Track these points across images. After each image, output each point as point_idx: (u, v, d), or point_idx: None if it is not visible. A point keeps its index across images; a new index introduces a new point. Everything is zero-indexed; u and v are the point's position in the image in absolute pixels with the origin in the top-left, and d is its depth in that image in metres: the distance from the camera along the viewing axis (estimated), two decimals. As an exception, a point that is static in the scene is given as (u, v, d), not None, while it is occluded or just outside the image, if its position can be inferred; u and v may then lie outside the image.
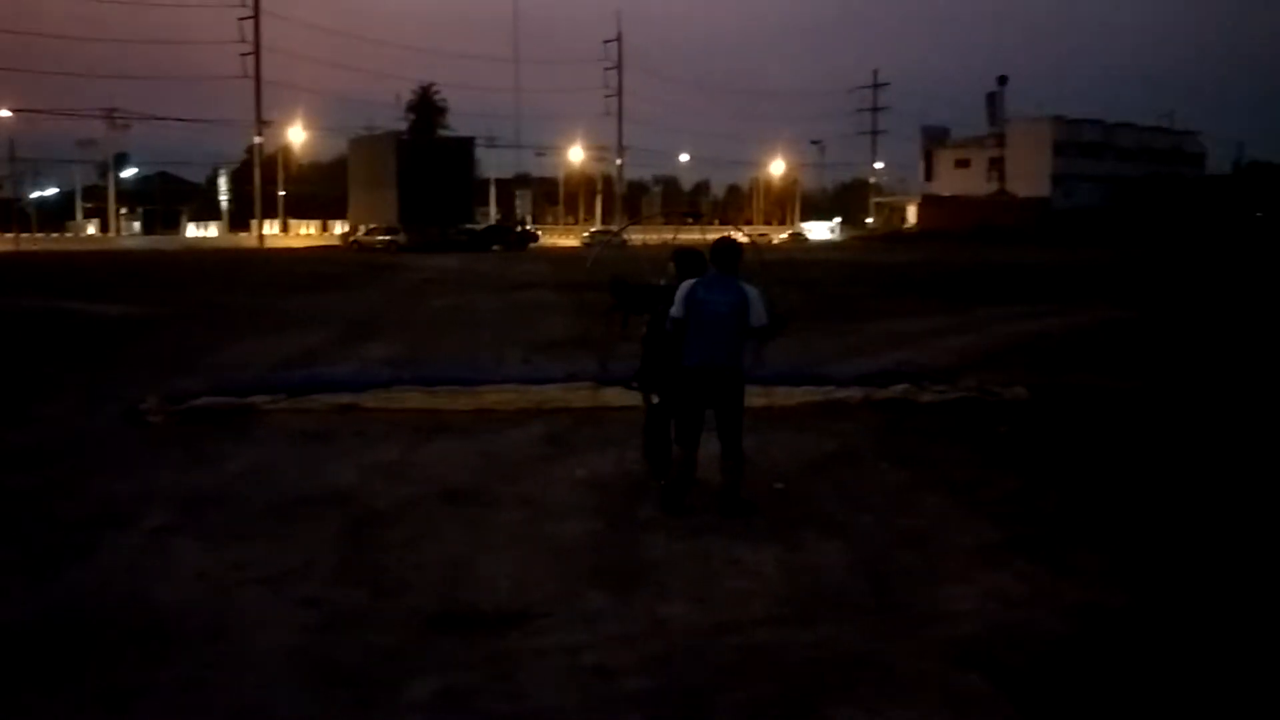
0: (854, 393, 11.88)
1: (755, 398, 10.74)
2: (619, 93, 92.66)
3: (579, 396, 11.90)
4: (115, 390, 12.18)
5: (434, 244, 59.48)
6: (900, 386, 12.12)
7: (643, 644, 5.15)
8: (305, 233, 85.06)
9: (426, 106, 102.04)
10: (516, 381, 12.70)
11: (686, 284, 7.61)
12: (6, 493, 7.96)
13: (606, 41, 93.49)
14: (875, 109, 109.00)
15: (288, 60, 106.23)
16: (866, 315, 21.94)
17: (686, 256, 8.07)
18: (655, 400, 8.14)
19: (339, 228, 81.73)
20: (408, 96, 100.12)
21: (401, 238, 62.36)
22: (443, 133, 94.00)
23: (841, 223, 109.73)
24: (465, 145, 72.96)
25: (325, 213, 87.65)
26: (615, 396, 11.75)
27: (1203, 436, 10.37)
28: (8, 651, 5.12)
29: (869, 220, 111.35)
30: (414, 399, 11.62)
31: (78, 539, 6.76)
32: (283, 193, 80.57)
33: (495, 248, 64.23)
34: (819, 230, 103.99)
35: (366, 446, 9.56)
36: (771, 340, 8.05)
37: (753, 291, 7.51)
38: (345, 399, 11.40)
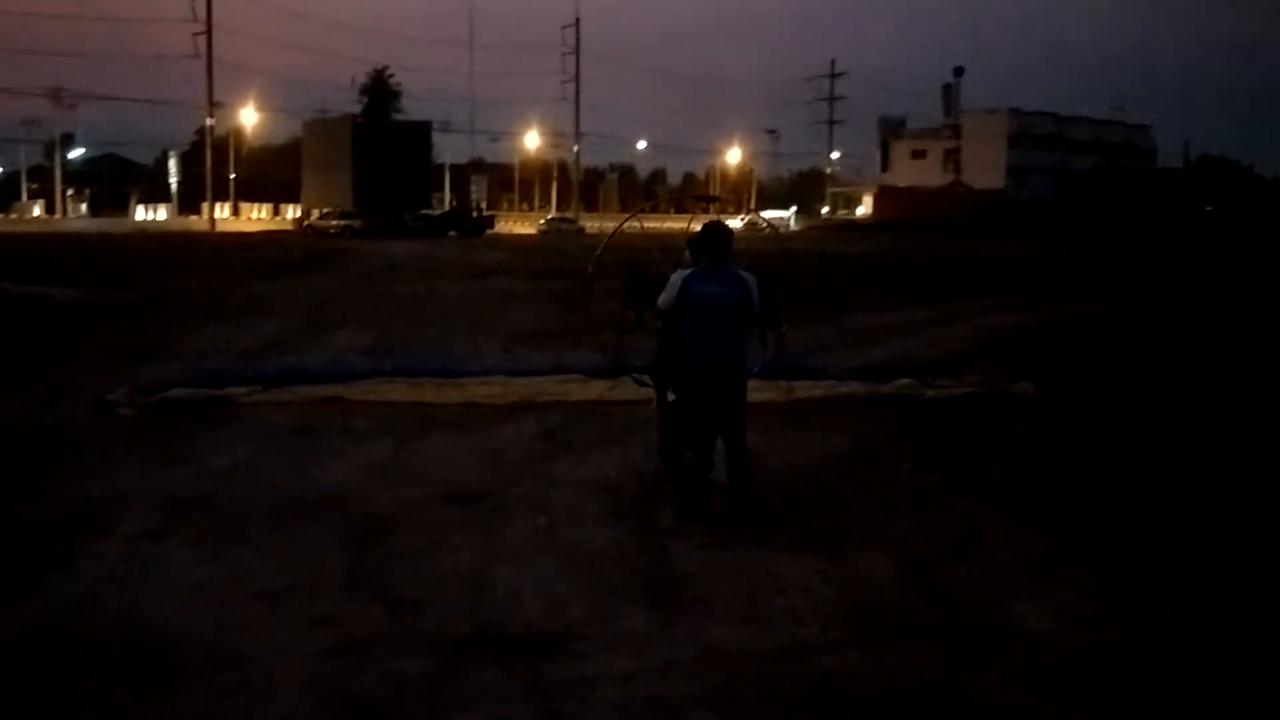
0: (857, 388, 11.49)
1: (761, 391, 10.38)
2: (576, 79, 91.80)
3: (569, 389, 11.44)
4: (79, 380, 11.55)
5: (389, 229, 58.42)
6: (902, 381, 11.74)
7: (700, 672, 4.67)
8: (256, 216, 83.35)
9: (380, 90, 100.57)
10: (501, 373, 12.23)
11: (678, 275, 7.16)
12: (-30, 494, 7.34)
13: (564, 27, 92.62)
14: (832, 99, 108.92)
15: (240, 40, 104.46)
16: (844, 307, 21.54)
17: (701, 240, 7.55)
18: (671, 397, 7.66)
19: (291, 211, 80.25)
20: (361, 79, 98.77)
21: (356, 223, 61.23)
22: (397, 116, 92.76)
23: (797, 212, 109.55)
24: (422, 129, 71.85)
25: (277, 196, 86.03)
26: (607, 391, 11.32)
27: (1224, 431, 10.07)
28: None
29: (824, 210, 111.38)
30: (398, 391, 11.09)
31: (55, 547, 6.18)
32: (234, 175, 79.04)
33: (451, 234, 63.32)
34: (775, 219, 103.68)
35: (356, 443, 9.01)
36: (779, 329, 7.67)
37: (752, 279, 7.07)
38: (326, 391, 10.84)
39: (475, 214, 74.36)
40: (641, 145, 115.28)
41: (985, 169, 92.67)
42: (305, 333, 16.22)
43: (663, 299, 7.11)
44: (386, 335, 16.06)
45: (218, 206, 76.79)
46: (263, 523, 6.75)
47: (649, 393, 11.55)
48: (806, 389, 11.18)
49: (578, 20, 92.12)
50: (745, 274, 7.03)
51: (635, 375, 8.62)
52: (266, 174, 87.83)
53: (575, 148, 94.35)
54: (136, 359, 13.10)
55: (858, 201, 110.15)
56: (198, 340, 15.01)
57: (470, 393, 11.17)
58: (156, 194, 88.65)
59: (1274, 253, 44.65)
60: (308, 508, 7.09)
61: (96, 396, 10.16)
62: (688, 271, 7.10)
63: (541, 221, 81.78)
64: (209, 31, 71.46)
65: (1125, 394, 11.86)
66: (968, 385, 11.75)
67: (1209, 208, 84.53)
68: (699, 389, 6.99)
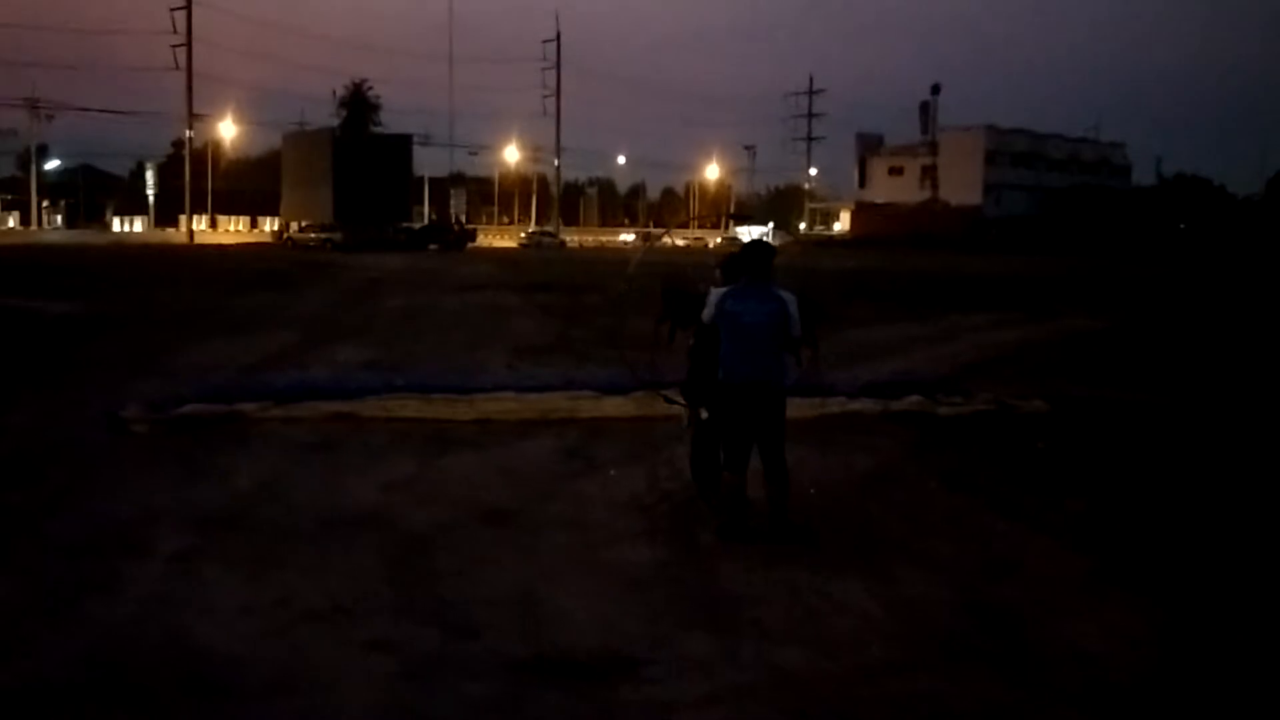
0: (869, 405, 11.47)
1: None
2: (557, 93, 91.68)
3: (582, 406, 11.40)
4: (83, 395, 11.45)
5: (371, 242, 58.12)
6: (913, 398, 11.75)
7: (774, 698, 4.61)
8: (234, 229, 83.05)
9: (359, 103, 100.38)
10: (510, 389, 12.16)
11: (717, 292, 7.15)
12: (-7, 512, 7.21)
13: (545, 41, 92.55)
14: (810, 115, 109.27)
15: (218, 52, 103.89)
16: (841, 322, 21.50)
17: (735, 261, 7.55)
18: (704, 415, 7.60)
19: (269, 224, 79.93)
20: (340, 92, 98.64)
21: (337, 235, 60.85)
22: (376, 129, 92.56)
23: (775, 227, 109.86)
24: (403, 143, 71.48)
25: (254, 209, 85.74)
26: (621, 407, 11.29)
27: (1240, 445, 10.10)
28: (36, 716, 4.44)
29: (802, 225, 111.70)
30: (410, 407, 11.00)
31: (90, 568, 6.06)
32: (211, 187, 78.66)
33: (432, 247, 63.04)
34: (750, 235, 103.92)
35: (377, 459, 8.92)
36: (815, 347, 7.57)
37: (790, 298, 7.02)
38: (339, 407, 10.74)
39: (457, 227, 74.07)
40: (621, 160, 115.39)
41: (962, 186, 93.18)
42: (305, 347, 16.08)
43: (705, 314, 7.08)
44: (388, 350, 15.94)
45: (194, 219, 76.32)
46: (299, 542, 6.66)
47: (665, 409, 11.47)
48: (820, 406, 11.14)
49: (558, 35, 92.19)
50: (784, 293, 6.98)
51: (665, 394, 8.55)
52: (243, 186, 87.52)
53: (556, 162, 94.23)
54: (137, 373, 12.96)
55: (835, 218, 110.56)
56: (198, 354, 14.87)
57: (483, 409, 11.10)
58: (133, 206, 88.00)
59: (1249, 270, 45.08)
60: (341, 526, 7.00)
61: (107, 412, 10.01)
62: (725, 289, 7.07)
63: (522, 235, 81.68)
64: (189, 44, 71.08)
65: (1136, 411, 11.87)
66: (980, 403, 11.77)
67: (1183, 225, 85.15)
68: (737, 407, 6.94)
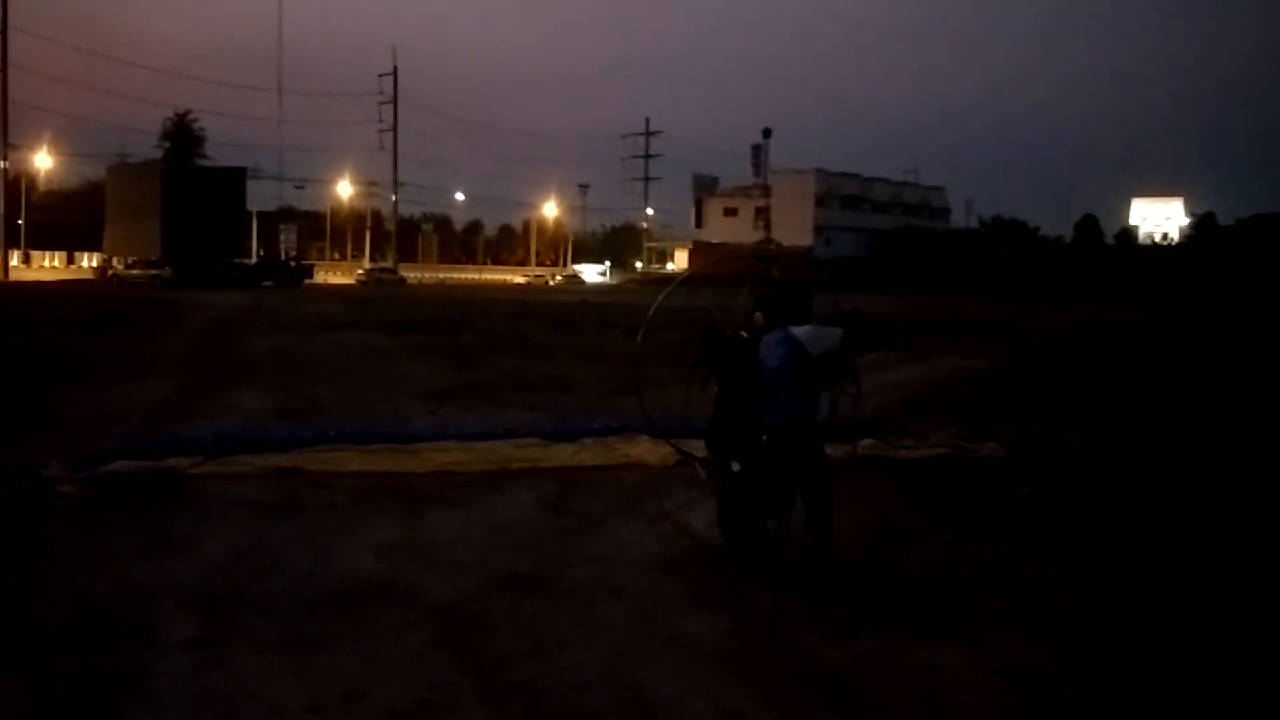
0: (834, 450, 11.14)
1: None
2: (394, 127, 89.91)
3: (534, 455, 10.87)
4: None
5: (203, 279, 55.53)
6: (867, 441, 11.49)
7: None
8: (51, 265, 78.49)
9: (184, 135, 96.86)
10: (448, 438, 11.47)
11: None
12: (-56, 594, 6.21)
13: (382, 75, 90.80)
14: (647, 156, 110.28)
15: (32, 80, 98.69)
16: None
17: (775, 300, 7.17)
18: (735, 469, 7.16)
19: (88, 260, 75.82)
20: (164, 124, 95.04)
21: (166, 271, 58.04)
22: (201, 162, 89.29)
23: (611, 266, 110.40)
24: (236, 176, 68.52)
25: (70, 244, 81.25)
26: (576, 455, 10.84)
27: (1214, 483, 10.14)
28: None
29: (639, 264, 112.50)
30: (355, 460, 10.23)
31: (109, 663, 5.20)
32: (21, 221, 74.20)
33: (267, 284, 60.78)
34: (591, 273, 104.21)
35: (350, 520, 8.15)
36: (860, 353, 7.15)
37: (802, 332, 6.65)
38: (279, 461, 9.92)
39: (293, 263, 71.57)
40: (460, 197, 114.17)
41: (794, 227, 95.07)
42: (199, 394, 14.92)
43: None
44: (288, 396, 14.93)
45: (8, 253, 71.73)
46: (322, 620, 5.92)
47: (622, 457, 11.00)
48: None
49: (395, 69, 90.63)
50: (796, 330, 6.60)
51: (683, 449, 8.09)
52: (58, 220, 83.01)
53: (394, 197, 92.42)
54: (29, 425, 11.80)
55: (670, 257, 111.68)
56: (85, 402, 13.61)
57: (431, 460, 10.41)
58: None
59: (1069, 306, 47.15)
60: (359, 601, 6.27)
61: (27, 472, 8.93)
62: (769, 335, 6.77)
63: (360, 272, 79.62)
64: (4, 70, 66.91)
65: (1088, 453, 11.81)
66: (936, 446, 11.62)
67: (1001, 265, 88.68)
68: (776, 451, 6.58)
